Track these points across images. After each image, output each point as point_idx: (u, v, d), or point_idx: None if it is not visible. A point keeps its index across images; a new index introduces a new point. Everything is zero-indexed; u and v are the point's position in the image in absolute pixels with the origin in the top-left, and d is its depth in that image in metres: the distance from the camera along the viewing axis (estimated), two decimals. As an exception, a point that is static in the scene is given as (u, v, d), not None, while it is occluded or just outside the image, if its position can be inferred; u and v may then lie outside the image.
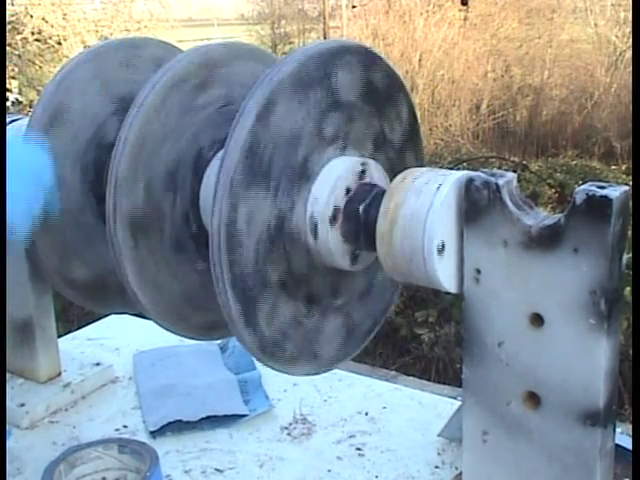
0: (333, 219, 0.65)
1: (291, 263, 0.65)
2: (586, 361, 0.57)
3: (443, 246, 0.60)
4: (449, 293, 0.63)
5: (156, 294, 0.70)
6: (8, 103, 6.23)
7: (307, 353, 0.68)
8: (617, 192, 0.54)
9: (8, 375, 0.98)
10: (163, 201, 0.71)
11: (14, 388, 0.97)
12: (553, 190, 3.97)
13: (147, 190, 0.69)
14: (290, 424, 0.93)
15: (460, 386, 0.65)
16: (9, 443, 0.86)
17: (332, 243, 0.65)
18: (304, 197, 0.65)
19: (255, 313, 0.63)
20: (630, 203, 0.56)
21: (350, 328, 0.72)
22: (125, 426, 0.93)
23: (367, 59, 0.69)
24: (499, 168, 3.70)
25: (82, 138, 0.80)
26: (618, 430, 0.64)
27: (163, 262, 0.71)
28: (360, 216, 0.65)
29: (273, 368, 0.66)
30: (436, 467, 0.84)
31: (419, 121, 0.75)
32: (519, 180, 0.61)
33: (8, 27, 6.81)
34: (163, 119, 0.70)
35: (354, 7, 8.04)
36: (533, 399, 0.60)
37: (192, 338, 0.75)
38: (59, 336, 1.05)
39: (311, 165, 0.66)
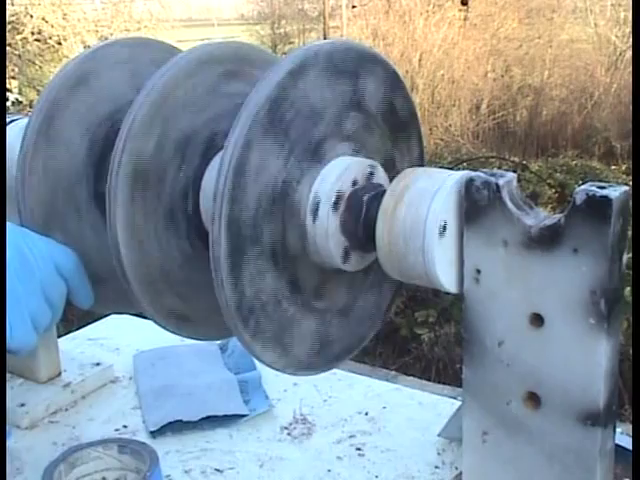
0: (335, 204, 0.65)
1: (285, 236, 0.65)
2: (586, 361, 0.57)
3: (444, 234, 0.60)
4: (449, 293, 0.63)
5: (139, 257, 0.69)
6: (8, 103, 6.24)
7: (276, 339, 0.66)
8: (617, 192, 0.54)
9: (8, 375, 0.99)
10: (169, 164, 0.69)
11: (14, 388, 0.97)
12: (553, 190, 3.98)
13: (157, 147, 0.68)
14: (290, 424, 0.93)
15: (460, 386, 0.65)
16: (9, 443, 0.86)
17: (330, 229, 0.65)
18: (312, 176, 0.65)
19: (241, 265, 0.62)
20: (630, 203, 0.56)
21: (323, 339, 0.71)
22: (125, 426, 0.94)
23: (393, 80, 0.70)
24: (499, 168, 3.71)
25: (99, 111, 0.78)
26: (618, 430, 0.64)
27: (152, 226, 0.69)
28: (362, 207, 0.65)
29: (240, 338, 0.63)
30: (436, 467, 0.84)
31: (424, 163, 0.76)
32: (519, 180, 0.61)
33: (8, 27, 6.82)
34: (189, 88, 0.69)
35: (354, 7, 8.05)
36: (533, 399, 0.60)
37: (162, 324, 0.73)
38: (59, 336, 1.05)
39: (324, 150, 0.66)
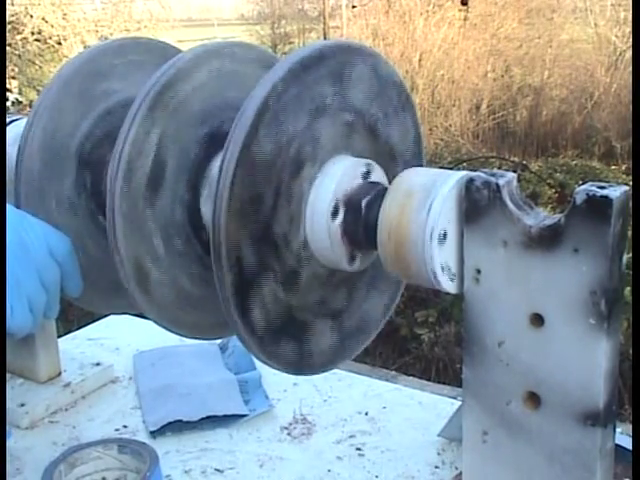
0: (335, 208, 0.65)
1: (285, 224, 0.65)
2: (586, 361, 0.57)
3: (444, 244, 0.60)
4: (449, 293, 0.63)
5: (134, 237, 0.68)
6: (8, 103, 6.23)
7: (272, 322, 0.66)
8: (617, 192, 0.54)
9: (8, 375, 0.98)
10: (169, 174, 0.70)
11: (14, 388, 0.97)
12: (553, 190, 3.98)
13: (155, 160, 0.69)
14: (290, 424, 0.93)
15: (460, 386, 0.65)
16: (9, 443, 0.86)
17: (330, 230, 0.65)
18: (310, 178, 0.65)
19: (244, 228, 0.63)
20: (630, 203, 0.56)
21: (305, 350, 0.71)
22: (125, 426, 0.94)
23: (403, 99, 0.72)
24: (499, 168, 3.71)
25: (107, 102, 0.79)
26: (618, 430, 0.64)
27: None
28: (362, 208, 0.65)
29: (228, 313, 0.63)
30: (436, 467, 0.84)
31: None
32: (519, 180, 0.61)
33: (8, 27, 6.82)
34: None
35: (354, 7, 8.05)
36: (533, 399, 0.60)
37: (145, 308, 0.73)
38: (59, 336, 1.05)
39: (319, 151, 0.66)
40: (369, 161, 0.68)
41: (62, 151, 0.78)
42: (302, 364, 0.70)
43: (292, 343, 0.69)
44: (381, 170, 0.69)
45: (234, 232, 0.61)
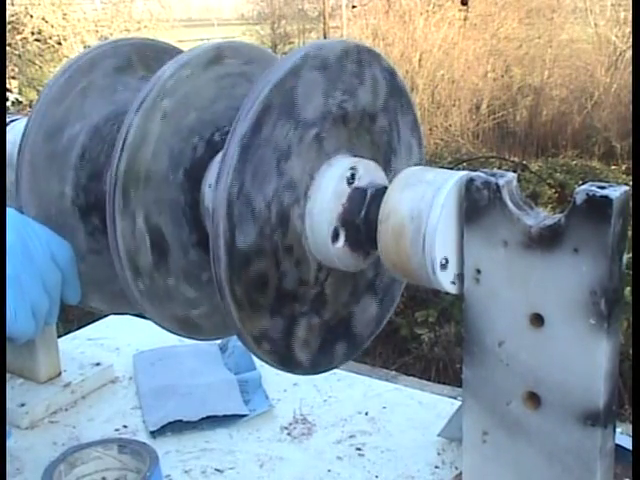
0: (335, 237, 0.65)
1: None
2: (586, 361, 0.57)
3: (446, 259, 0.60)
4: (449, 293, 0.63)
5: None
6: (8, 103, 6.23)
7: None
8: (617, 192, 0.54)
9: (8, 375, 0.98)
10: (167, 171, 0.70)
11: (14, 388, 0.97)
12: (553, 190, 3.98)
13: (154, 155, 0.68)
14: (290, 424, 0.93)
15: (460, 386, 0.65)
16: (9, 443, 0.86)
17: (338, 258, 0.66)
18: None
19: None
20: (630, 203, 0.56)
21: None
22: (125, 426, 0.94)
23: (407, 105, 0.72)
24: (499, 168, 3.71)
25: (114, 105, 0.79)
26: (618, 430, 0.64)
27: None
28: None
29: (219, 291, 0.63)
30: (436, 467, 0.84)
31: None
32: (519, 180, 0.61)
33: (8, 27, 6.82)
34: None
35: (354, 7, 8.05)
36: (533, 399, 0.60)
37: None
38: (59, 336, 1.05)
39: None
40: (351, 163, 0.66)
41: (61, 153, 0.78)
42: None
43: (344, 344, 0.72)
44: (369, 164, 0.68)
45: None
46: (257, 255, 0.62)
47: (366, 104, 0.68)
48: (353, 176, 0.66)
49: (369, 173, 0.67)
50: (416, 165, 0.73)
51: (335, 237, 0.65)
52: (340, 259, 0.66)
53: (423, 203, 0.60)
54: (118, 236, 0.66)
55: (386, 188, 0.64)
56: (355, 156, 0.68)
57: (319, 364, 0.71)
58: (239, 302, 0.62)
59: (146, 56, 0.80)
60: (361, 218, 0.65)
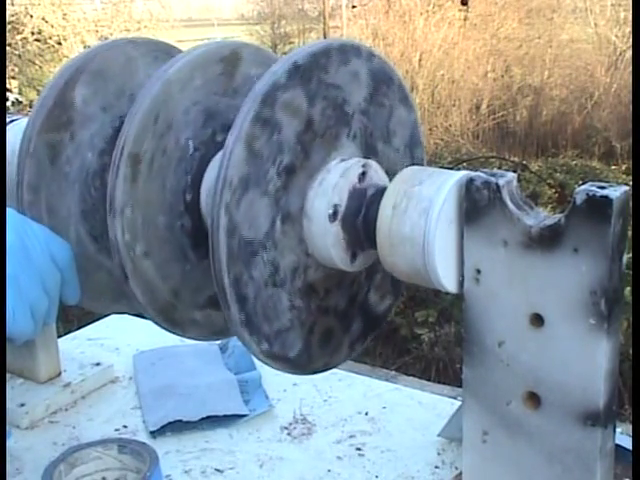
0: (334, 210, 0.65)
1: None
2: (586, 361, 0.57)
3: (445, 259, 0.60)
4: (449, 293, 0.63)
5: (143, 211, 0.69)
6: (8, 103, 6.23)
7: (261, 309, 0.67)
8: (617, 192, 0.54)
9: (8, 375, 0.98)
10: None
11: (14, 388, 0.97)
12: (553, 190, 3.98)
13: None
14: (290, 424, 0.93)
15: (460, 386, 0.65)
16: (9, 443, 0.86)
17: (329, 231, 0.65)
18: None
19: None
20: (630, 203, 0.56)
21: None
22: (125, 426, 0.93)
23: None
24: (499, 168, 3.71)
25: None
26: (618, 430, 0.64)
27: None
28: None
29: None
30: (436, 467, 0.84)
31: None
32: (519, 180, 0.61)
33: (8, 27, 6.82)
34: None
35: (354, 7, 8.05)
36: (533, 399, 0.60)
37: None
38: (59, 336, 1.05)
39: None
40: (366, 161, 0.67)
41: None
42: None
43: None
44: (379, 168, 0.69)
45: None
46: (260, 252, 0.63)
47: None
48: (364, 174, 0.67)
49: (379, 175, 0.68)
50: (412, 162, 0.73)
51: (334, 215, 0.65)
52: (332, 245, 0.66)
53: (422, 204, 0.60)
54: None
55: (385, 188, 0.64)
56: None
57: (317, 362, 0.70)
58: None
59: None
60: (360, 218, 0.65)
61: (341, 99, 0.67)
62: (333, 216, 0.65)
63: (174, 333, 0.75)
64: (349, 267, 0.68)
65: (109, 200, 0.67)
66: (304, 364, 0.71)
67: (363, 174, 0.67)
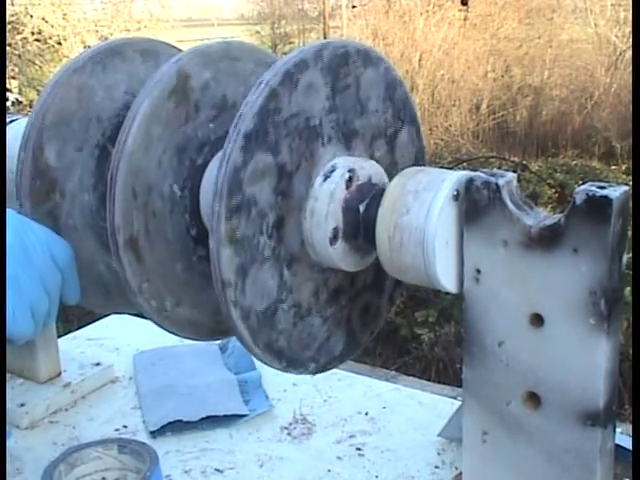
0: (334, 239, 0.65)
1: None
2: (586, 361, 0.57)
3: (444, 259, 0.60)
4: (449, 293, 0.63)
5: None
6: (8, 103, 6.23)
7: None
8: (617, 192, 0.54)
9: (8, 375, 0.98)
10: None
11: (14, 388, 0.97)
12: (553, 190, 3.98)
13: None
14: (290, 424, 0.93)
15: (460, 386, 0.65)
16: (9, 443, 0.86)
17: (336, 257, 0.66)
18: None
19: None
20: (630, 203, 0.56)
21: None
22: (125, 426, 0.94)
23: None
24: (499, 168, 3.71)
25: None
26: (618, 430, 0.64)
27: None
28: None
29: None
30: (436, 467, 0.84)
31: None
32: (519, 180, 0.61)
33: (8, 27, 6.82)
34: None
35: (354, 7, 8.05)
36: (533, 399, 0.60)
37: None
38: (59, 336, 1.05)
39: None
40: (349, 163, 0.66)
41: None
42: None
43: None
44: (368, 164, 0.67)
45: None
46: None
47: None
48: (351, 179, 0.65)
49: (368, 172, 0.67)
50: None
51: (334, 238, 0.65)
52: (340, 260, 0.66)
53: (422, 203, 0.60)
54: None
55: (385, 189, 0.64)
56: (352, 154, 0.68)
57: (319, 362, 0.71)
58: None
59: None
60: (360, 219, 0.65)
61: (303, 121, 0.63)
62: (334, 239, 0.65)
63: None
64: (363, 265, 0.68)
65: (125, 284, 0.68)
66: (353, 348, 0.73)
67: (350, 179, 0.65)
